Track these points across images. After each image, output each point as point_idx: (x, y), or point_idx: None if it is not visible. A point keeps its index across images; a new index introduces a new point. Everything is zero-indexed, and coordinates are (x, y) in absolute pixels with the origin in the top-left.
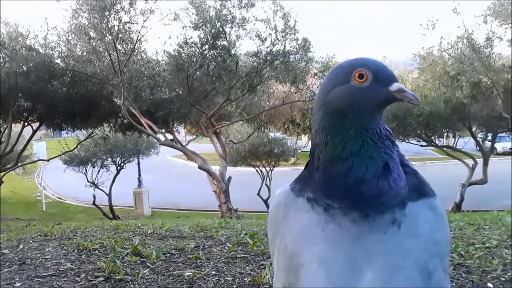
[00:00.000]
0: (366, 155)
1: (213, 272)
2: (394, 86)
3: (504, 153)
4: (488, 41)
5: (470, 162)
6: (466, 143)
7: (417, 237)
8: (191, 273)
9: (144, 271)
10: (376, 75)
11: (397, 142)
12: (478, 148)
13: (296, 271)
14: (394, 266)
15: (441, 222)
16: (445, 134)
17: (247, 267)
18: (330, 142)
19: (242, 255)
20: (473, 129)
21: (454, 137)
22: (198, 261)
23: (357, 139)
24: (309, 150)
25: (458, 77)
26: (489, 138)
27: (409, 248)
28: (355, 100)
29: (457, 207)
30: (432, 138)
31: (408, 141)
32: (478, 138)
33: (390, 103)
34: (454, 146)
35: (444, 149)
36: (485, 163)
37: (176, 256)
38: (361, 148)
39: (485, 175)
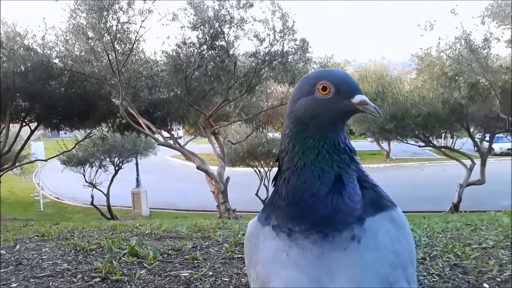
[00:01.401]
0: (319, 167)
1: (210, 273)
2: (357, 99)
3: (501, 154)
4: (485, 42)
5: (468, 162)
6: (464, 143)
7: (377, 250)
8: (188, 274)
9: (141, 272)
10: (338, 87)
11: (395, 143)
12: (476, 148)
13: None
14: (356, 280)
15: (402, 234)
16: (443, 134)
17: (244, 268)
18: (291, 150)
19: (240, 256)
20: (471, 130)
21: (452, 137)
22: (195, 261)
23: (313, 149)
24: None
25: (456, 78)
26: (487, 138)
27: (370, 261)
28: (318, 111)
29: (455, 208)
30: (430, 138)
31: (406, 141)
32: (476, 139)
33: (352, 114)
34: (452, 146)
35: (442, 149)
36: (483, 164)
37: (173, 256)
38: (315, 159)
39: (483, 176)
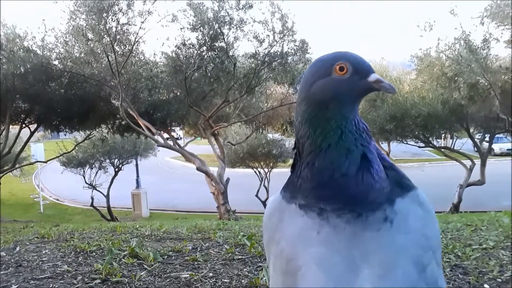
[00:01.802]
0: (344, 146)
1: (211, 274)
2: (372, 77)
3: (501, 154)
4: (485, 43)
5: (467, 163)
6: (463, 144)
7: (409, 233)
8: (188, 275)
9: (141, 273)
10: (355, 67)
11: (395, 144)
12: (475, 149)
13: (294, 274)
14: (389, 262)
15: (430, 218)
16: (443, 135)
17: (245, 269)
18: (312, 134)
19: (240, 257)
20: (471, 130)
21: (452, 138)
22: (196, 263)
23: (336, 130)
24: None
25: (456, 78)
26: (487, 139)
27: (402, 243)
28: (338, 91)
29: (455, 208)
30: (430, 139)
31: (406, 142)
32: (475, 139)
33: (368, 92)
34: (452, 147)
35: (442, 150)
36: (483, 164)
37: (173, 258)
38: (339, 140)
39: (483, 176)
